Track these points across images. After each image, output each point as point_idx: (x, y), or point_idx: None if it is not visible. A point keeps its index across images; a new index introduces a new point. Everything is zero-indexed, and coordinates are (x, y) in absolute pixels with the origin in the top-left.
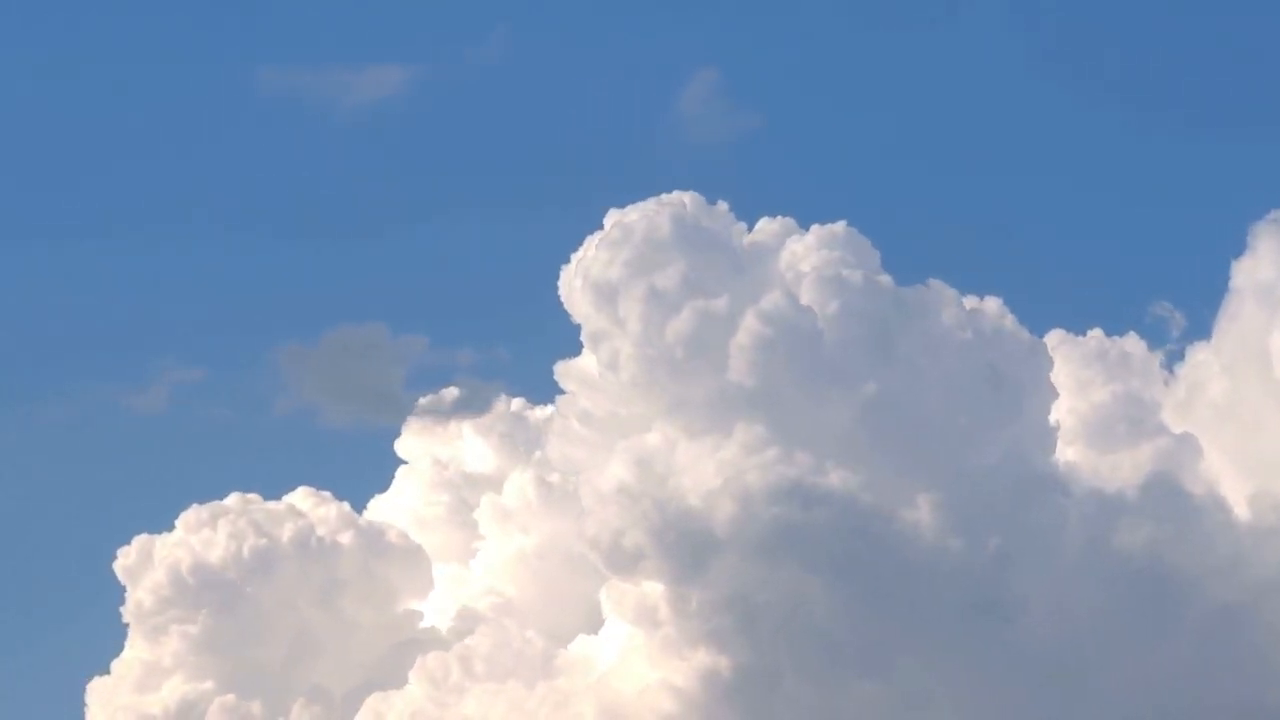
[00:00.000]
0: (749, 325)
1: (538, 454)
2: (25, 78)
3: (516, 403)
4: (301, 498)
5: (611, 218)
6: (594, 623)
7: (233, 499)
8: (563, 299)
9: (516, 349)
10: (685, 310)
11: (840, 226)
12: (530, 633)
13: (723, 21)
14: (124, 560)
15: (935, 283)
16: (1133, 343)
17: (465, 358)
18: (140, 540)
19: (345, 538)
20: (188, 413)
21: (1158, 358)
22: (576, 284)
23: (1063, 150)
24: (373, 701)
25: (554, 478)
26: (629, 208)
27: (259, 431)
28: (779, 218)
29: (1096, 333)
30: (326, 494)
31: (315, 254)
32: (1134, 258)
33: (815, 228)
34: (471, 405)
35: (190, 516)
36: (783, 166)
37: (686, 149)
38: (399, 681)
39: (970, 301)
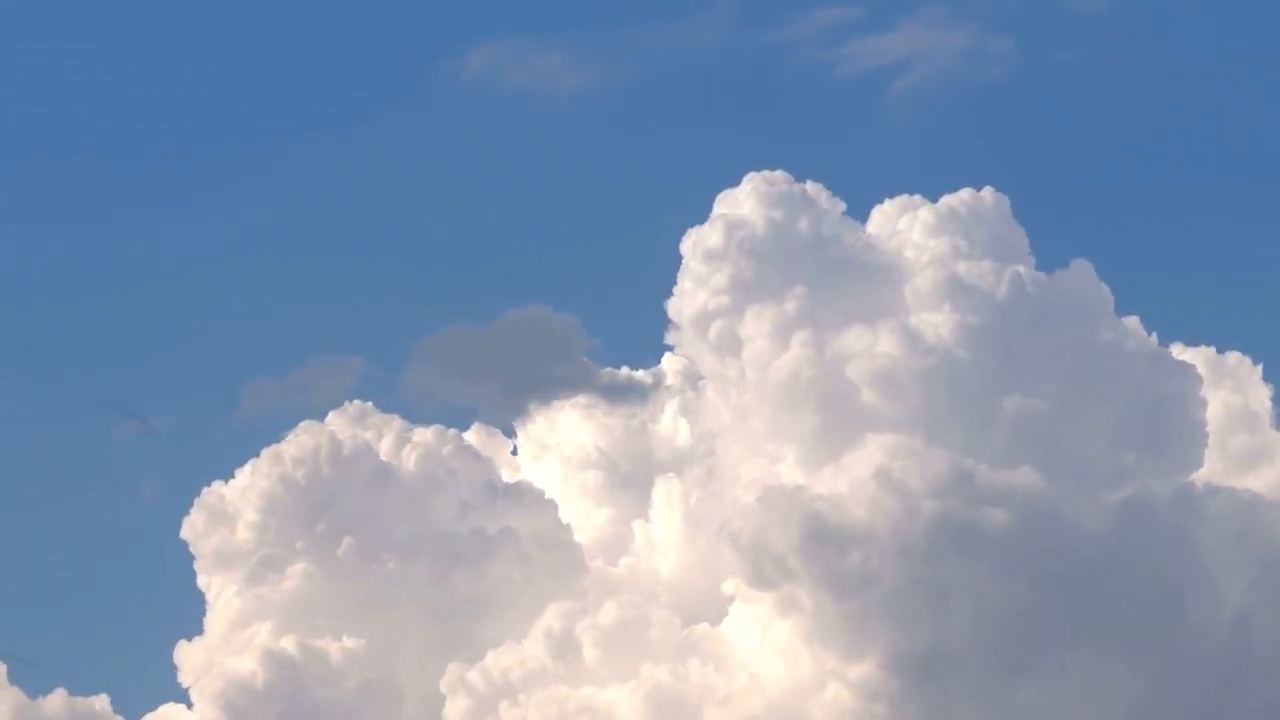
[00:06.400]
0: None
1: (691, 455)
2: (224, 50)
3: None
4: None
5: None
6: (737, 616)
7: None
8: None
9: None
10: (809, 339)
11: (988, 192)
12: (679, 625)
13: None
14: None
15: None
16: (1237, 359)
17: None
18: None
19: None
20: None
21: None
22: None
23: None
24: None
25: (701, 486)
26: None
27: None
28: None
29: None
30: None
31: (509, 240)
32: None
33: (949, 199)
34: (632, 399)
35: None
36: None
37: (885, 142)
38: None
39: None
